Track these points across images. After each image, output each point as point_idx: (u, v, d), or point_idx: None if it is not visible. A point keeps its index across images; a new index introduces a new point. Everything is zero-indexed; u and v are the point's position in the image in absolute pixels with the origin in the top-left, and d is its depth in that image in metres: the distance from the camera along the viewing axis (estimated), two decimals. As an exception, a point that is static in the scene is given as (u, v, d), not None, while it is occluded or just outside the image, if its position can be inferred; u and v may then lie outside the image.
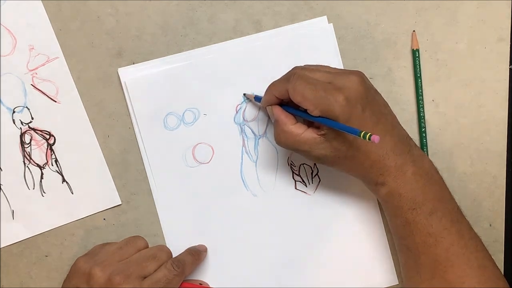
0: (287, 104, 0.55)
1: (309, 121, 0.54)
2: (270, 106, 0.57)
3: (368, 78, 0.55)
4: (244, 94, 0.60)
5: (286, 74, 0.54)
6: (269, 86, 0.55)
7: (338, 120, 0.50)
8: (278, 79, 0.55)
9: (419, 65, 0.60)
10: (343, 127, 0.49)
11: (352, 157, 0.53)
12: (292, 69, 0.54)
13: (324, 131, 0.52)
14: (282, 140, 0.54)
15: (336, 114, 0.50)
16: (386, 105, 0.55)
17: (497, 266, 0.53)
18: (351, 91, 0.51)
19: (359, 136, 0.47)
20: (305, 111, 0.52)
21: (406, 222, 0.53)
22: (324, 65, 0.55)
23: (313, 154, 0.53)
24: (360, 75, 0.52)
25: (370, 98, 0.52)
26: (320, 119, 0.51)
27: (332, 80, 0.52)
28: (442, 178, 0.55)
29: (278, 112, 0.55)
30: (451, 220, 0.53)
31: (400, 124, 0.55)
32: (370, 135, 0.46)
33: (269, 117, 0.61)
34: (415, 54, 0.60)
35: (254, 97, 0.59)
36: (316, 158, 0.54)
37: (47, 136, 0.61)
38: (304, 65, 0.56)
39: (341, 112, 0.50)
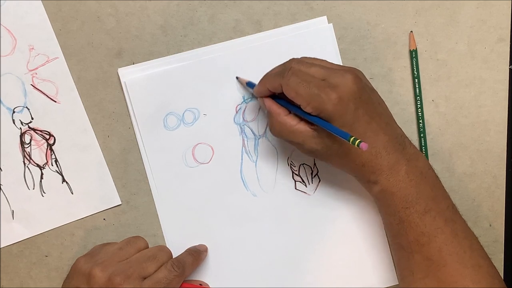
0: (279, 97, 0.55)
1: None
2: (261, 98, 0.57)
3: (368, 78, 0.55)
4: (237, 78, 0.60)
5: (281, 66, 0.54)
6: (263, 78, 0.55)
7: (330, 118, 0.50)
8: (272, 72, 0.55)
9: (417, 66, 0.60)
10: (333, 129, 0.49)
11: (344, 155, 0.53)
12: (288, 61, 0.54)
13: (315, 125, 0.52)
14: (277, 130, 0.55)
15: (328, 112, 0.50)
16: (381, 103, 0.55)
17: (493, 266, 0.53)
18: (345, 90, 0.51)
19: (348, 141, 0.47)
20: (298, 106, 0.52)
21: (399, 221, 0.53)
22: (321, 59, 0.55)
23: (306, 147, 0.53)
24: (355, 73, 0.52)
25: (364, 97, 0.52)
26: (312, 118, 0.51)
27: (327, 77, 0.52)
28: (437, 176, 0.55)
29: (270, 104, 0.55)
30: (445, 219, 0.52)
31: (395, 123, 0.55)
32: (360, 142, 0.46)
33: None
34: (412, 55, 0.60)
35: (247, 83, 0.59)
36: (308, 152, 0.54)
37: (47, 136, 0.61)
38: (301, 58, 0.55)
39: (333, 110, 0.50)
